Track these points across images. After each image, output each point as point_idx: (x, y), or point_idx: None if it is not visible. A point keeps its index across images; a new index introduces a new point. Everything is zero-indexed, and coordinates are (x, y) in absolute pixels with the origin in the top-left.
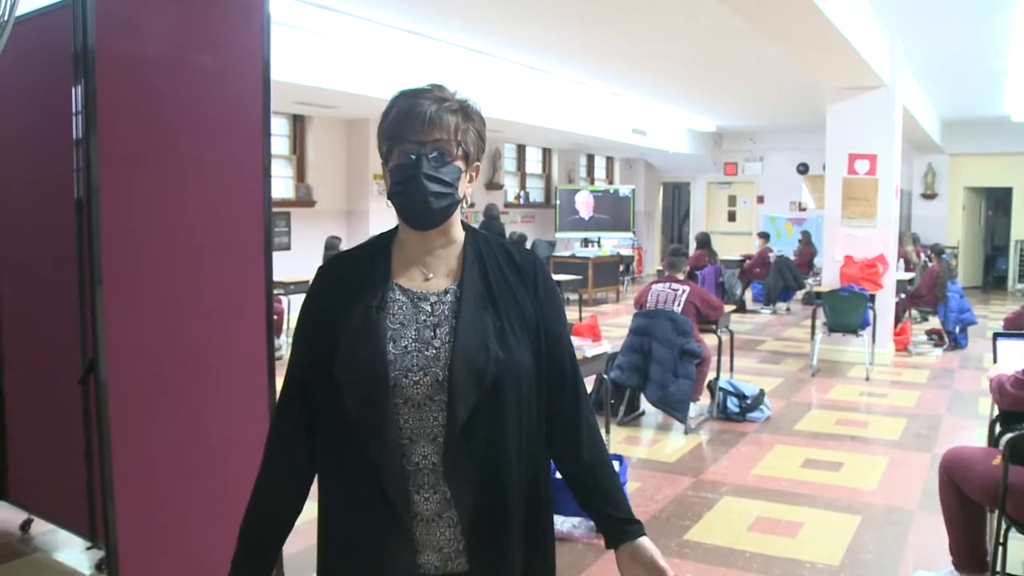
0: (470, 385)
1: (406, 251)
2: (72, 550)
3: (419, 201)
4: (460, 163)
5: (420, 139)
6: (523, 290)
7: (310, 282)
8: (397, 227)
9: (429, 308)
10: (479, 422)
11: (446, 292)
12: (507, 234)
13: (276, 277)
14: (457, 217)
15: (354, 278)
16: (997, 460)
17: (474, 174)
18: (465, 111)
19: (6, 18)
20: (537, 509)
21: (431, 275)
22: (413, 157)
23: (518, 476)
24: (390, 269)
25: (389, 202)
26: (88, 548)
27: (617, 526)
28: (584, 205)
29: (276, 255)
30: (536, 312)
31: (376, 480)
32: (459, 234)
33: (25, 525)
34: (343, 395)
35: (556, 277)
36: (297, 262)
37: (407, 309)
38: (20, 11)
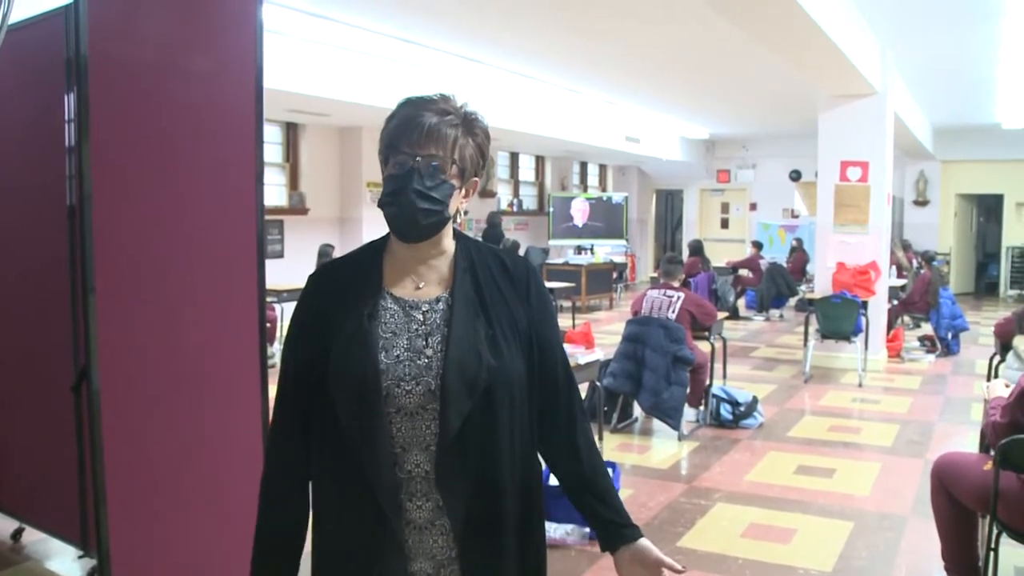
0: (463, 393)
1: (397, 259)
2: (64, 559)
3: (407, 215)
4: (454, 180)
5: (415, 151)
6: (515, 298)
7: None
8: (388, 235)
9: (421, 317)
10: (472, 430)
11: (438, 300)
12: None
13: (269, 285)
14: (448, 229)
15: (345, 286)
16: (988, 466)
17: (471, 189)
18: (468, 125)
19: (0, 26)
20: (530, 514)
21: (422, 283)
22: (405, 168)
23: (511, 482)
24: (382, 277)
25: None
26: (80, 557)
27: (615, 530)
28: (579, 212)
29: (269, 263)
30: (528, 319)
31: (368, 488)
32: (450, 244)
33: (16, 534)
34: (335, 404)
35: (549, 284)
36: (290, 270)
37: (399, 318)
38: (13, 19)
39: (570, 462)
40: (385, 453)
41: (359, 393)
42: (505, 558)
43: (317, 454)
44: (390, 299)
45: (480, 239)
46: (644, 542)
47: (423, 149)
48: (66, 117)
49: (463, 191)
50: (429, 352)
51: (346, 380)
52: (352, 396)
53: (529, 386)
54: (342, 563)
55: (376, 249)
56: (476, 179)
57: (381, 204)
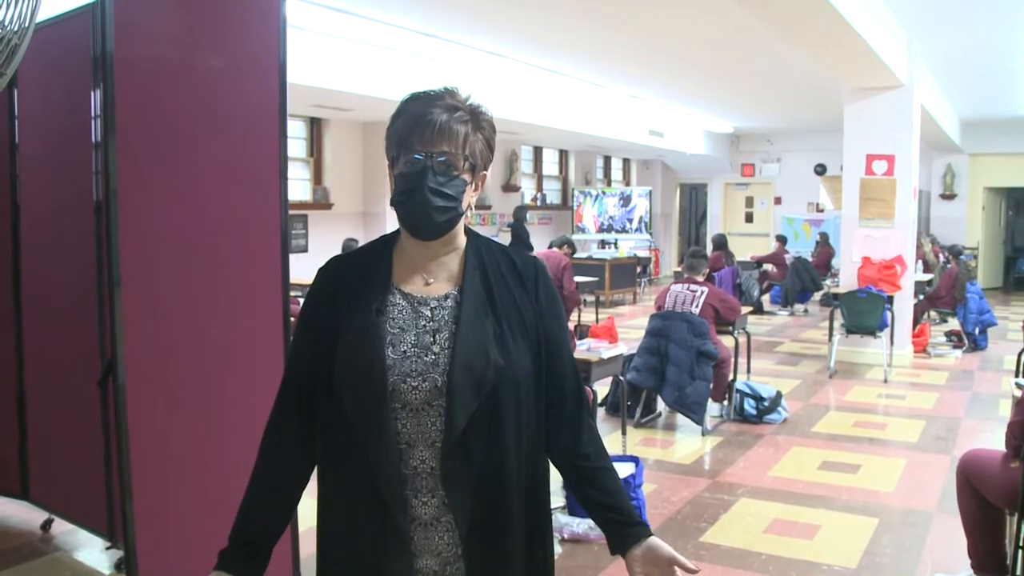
0: (469, 391)
1: (408, 255)
2: (92, 550)
3: (421, 213)
4: (466, 176)
5: (428, 149)
6: (524, 296)
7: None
8: (399, 230)
9: (429, 313)
10: (477, 428)
11: (446, 297)
12: (530, 238)
13: (293, 279)
14: (461, 225)
15: (355, 280)
16: (1015, 462)
17: (480, 183)
18: (476, 120)
19: (27, 24)
20: (536, 513)
21: (432, 280)
22: (419, 166)
23: (517, 480)
24: (391, 272)
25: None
26: (108, 548)
27: (623, 530)
28: (592, 219)
29: (293, 257)
30: (536, 317)
31: (373, 483)
32: (461, 241)
33: (46, 525)
34: (342, 398)
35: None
36: (314, 264)
37: (407, 314)
38: (41, 17)
39: (576, 459)
40: (390, 449)
41: (365, 388)
42: (511, 556)
43: (324, 447)
44: (399, 295)
45: (510, 233)
46: (655, 540)
47: (436, 147)
48: (92, 113)
49: (473, 185)
50: (436, 349)
51: (353, 374)
52: (358, 390)
53: (537, 385)
54: (347, 558)
55: (387, 244)
56: (484, 173)
57: (394, 203)
